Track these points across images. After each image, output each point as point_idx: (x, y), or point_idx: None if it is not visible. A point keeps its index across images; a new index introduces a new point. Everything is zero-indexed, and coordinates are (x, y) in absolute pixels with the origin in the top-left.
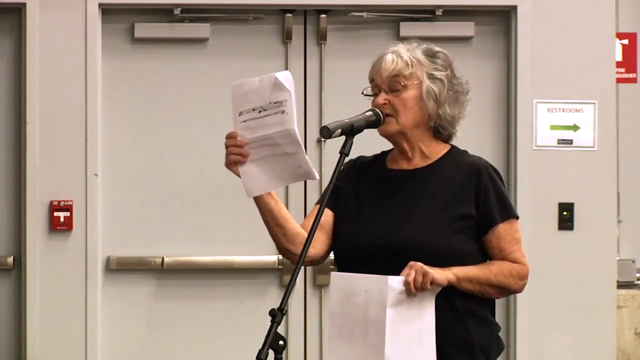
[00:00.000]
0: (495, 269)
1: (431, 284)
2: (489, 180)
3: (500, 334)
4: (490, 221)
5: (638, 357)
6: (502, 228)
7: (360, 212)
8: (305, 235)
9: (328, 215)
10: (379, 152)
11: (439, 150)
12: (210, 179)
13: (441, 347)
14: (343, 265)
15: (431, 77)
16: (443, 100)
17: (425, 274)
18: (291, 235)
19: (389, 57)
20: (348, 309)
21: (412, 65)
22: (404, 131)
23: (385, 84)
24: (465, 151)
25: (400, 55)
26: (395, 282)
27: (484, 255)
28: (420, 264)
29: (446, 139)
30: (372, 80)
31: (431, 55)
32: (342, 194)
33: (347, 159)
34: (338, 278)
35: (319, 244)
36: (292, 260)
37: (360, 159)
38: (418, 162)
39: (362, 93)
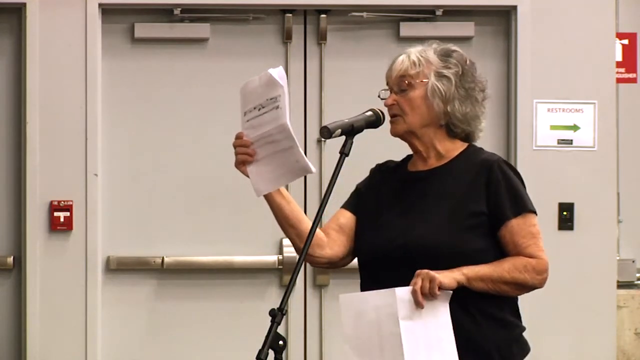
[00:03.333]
0: (508, 266)
1: (440, 288)
2: (500, 175)
3: (525, 334)
4: (501, 217)
5: (638, 357)
6: (515, 223)
7: (379, 215)
8: (321, 236)
9: (350, 218)
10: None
11: (454, 149)
12: (210, 178)
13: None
14: (363, 269)
15: (438, 75)
16: (451, 98)
17: (431, 280)
18: (306, 236)
19: (400, 58)
20: (362, 329)
21: (419, 65)
22: (413, 130)
23: (394, 85)
24: (481, 148)
25: (410, 55)
26: (403, 293)
27: (499, 251)
28: (426, 270)
29: (464, 137)
30: (387, 82)
31: (445, 55)
32: (364, 198)
33: (375, 164)
34: (347, 300)
35: (337, 246)
36: (309, 262)
37: (387, 163)
38: (433, 163)
39: (379, 96)
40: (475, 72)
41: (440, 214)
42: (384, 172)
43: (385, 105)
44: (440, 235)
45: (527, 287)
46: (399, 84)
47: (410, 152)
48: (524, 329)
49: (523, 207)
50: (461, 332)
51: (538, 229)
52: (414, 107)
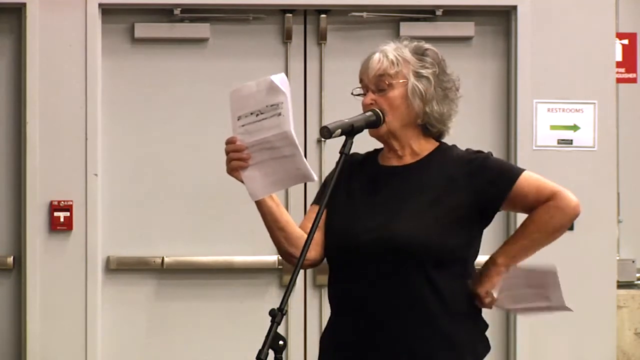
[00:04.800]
0: (533, 225)
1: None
2: (480, 161)
3: (487, 333)
4: (501, 193)
5: (638, 357)
6: (518, 187)
7: (351, 206)
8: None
9: (323, 213)
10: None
11: (428, 147)
12: (210, 179)
13: (424, 347)
14: (333, 258)
15: (417, 75)
16: (430, 98)
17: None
18: (293, 238)
19: (376, 56)
20: None
21: (397, 64)
22: (393, 131)
23: (372, 84)
24: (454, 146)
25: (387, 54)
26: None
27: (476, 246)
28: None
29: (437, 136)
30: (361, 80)
31: (420, 53)
32: (334, 190)
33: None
34: None
35: (319, 246)
36: (294, 264)
37: (353, 155)
38: (408, 160)
39: (352, 93)
40: (447, 69)
41: (418, 209)
42: (351, 164)
43: (364, 103)
44: (418, 230)
45: (566, 225)
46: (377, 83)
47: (377, 146)
48: (487, 326)
49: (517, 171)
50: (441, 331)
51: (536, 176)
52: (393, 106)
